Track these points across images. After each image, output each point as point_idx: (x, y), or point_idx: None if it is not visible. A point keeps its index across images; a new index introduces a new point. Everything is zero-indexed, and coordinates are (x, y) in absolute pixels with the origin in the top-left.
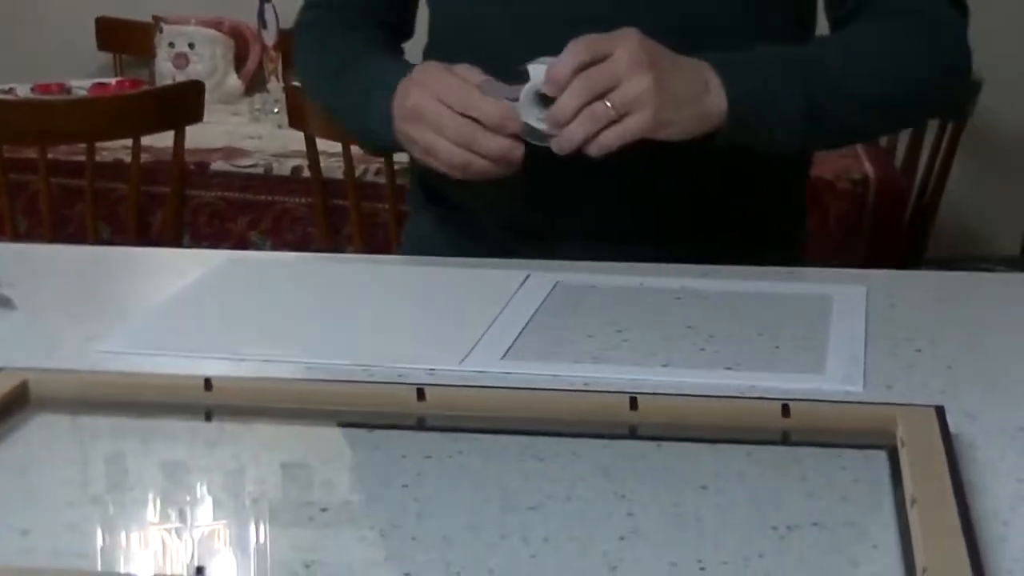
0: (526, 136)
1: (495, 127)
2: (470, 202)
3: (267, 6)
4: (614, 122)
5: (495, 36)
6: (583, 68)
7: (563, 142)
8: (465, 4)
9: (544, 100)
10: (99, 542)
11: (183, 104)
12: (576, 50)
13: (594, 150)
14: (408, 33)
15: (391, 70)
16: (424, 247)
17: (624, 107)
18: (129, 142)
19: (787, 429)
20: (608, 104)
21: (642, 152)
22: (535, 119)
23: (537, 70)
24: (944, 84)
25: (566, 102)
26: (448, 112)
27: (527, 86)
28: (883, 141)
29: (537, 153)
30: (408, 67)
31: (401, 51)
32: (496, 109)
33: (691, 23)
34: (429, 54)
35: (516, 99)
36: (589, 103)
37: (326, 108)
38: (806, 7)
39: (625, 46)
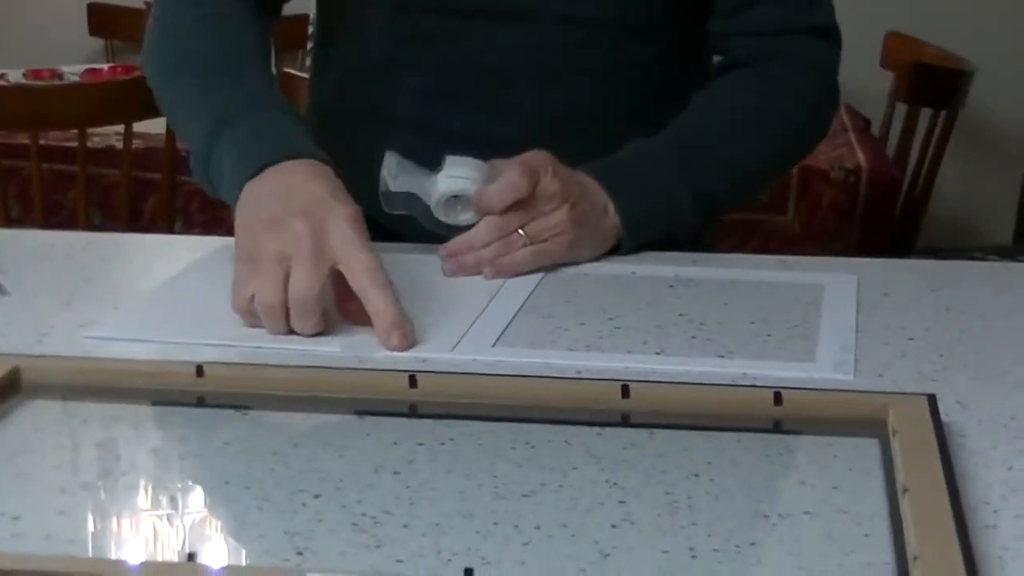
0: (430, 226)
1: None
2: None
3: None
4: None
5: (377, 48)
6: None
7: (468, 262)
8: (351, 9)
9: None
10: (90, 528)
11: None
12: (510, 190)
13: (490, 273)
14: (274, 13)
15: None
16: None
17: (538, 238)
18: (121, 128)
19: (779, 417)
20: (521, 233)
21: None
22: (443, 215)
23: (454, 170)
24: (816, 122)
25: (484, 234)
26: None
27: (441, 190)
28: (875, 130)
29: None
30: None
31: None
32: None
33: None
34: (314, 54)
35: (419, 187)
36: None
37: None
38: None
39: (544, 177)
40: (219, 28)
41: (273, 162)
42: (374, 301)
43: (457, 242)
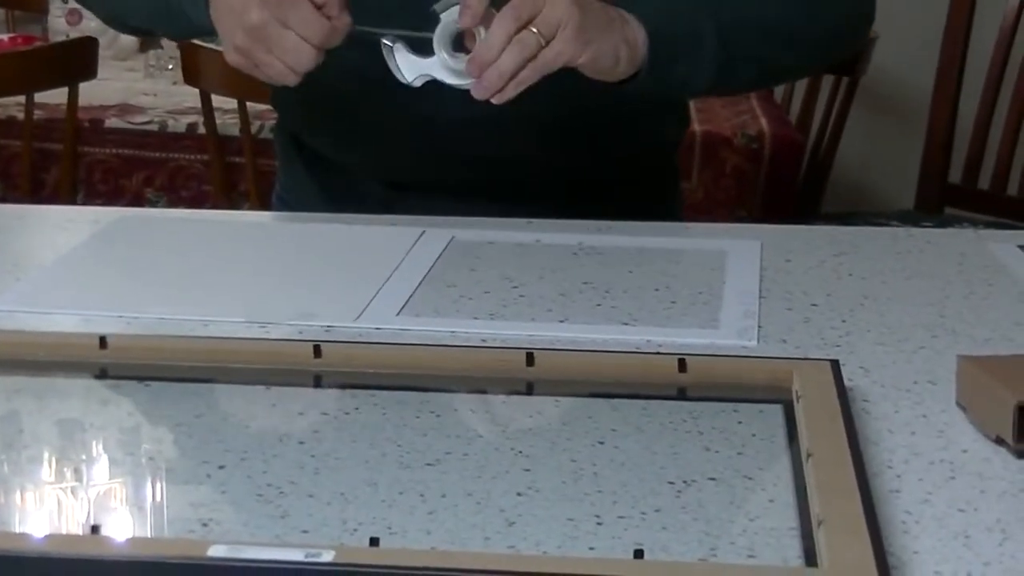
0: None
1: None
2: (347, 159)
3: None
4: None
5: None
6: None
7: (492, 77)
8: None
9: (456, 45)
10: None
11: (77, 60)
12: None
13: (512, 89)
14: None
15: None
16: (300, 203)
17: (549, 31)
18: (22, 99)
19: (683, 384)
20: (535, 30)
21: (524, 113)
22: (448, 66)
23: (449, 11)
24: (851, 19)
25: (497, 33)
26: (295, 40)
27: (439, 29)
28: (778, 96)
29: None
30: None
31: None
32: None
33: None
34: None
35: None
36: (517, 32)
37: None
38: None
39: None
40: None
41: None
42: None
43: (475, 60)
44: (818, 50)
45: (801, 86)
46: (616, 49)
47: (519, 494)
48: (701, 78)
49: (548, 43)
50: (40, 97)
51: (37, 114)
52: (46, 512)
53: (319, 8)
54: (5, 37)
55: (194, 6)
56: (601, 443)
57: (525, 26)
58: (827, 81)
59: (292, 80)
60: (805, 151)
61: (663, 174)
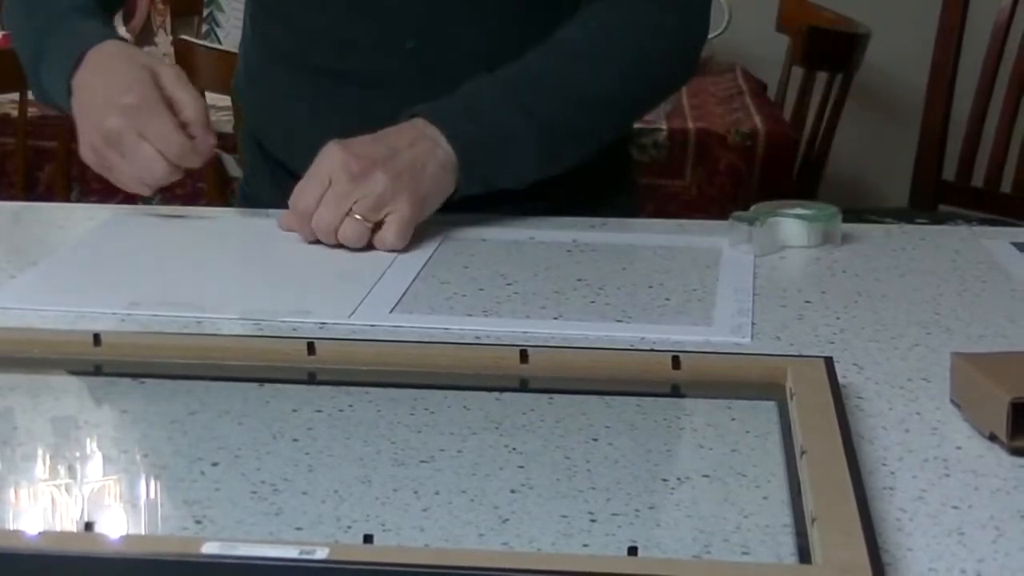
0: None
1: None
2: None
3: None
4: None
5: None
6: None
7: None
8: None
9: None
10: None
11: None
12: (291, 220)
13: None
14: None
15: (82, 32)
16: (260, 196)
17: (375, 212)
18: (16, 96)
19: (677, 381)
20: (359, 216)
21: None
22: None
23: None
24: (673, 48)
25: (324, 215)
26: (150, 153)
27: None
28: (772, 93)
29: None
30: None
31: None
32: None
33: None
34: (252, 21)
35: None
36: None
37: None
38: None
39: (332, 166)
40: None
41: (76, 64)
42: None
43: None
44: (643, 104)
45: (795, 83)
46: (443, 189)
47: (513, 491)
48: (524, 172)
49: (384, 217)
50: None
51: (31, 112)
52: (40, 509)
53: (183, 126)
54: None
55: (57, 91)
56: (595, 440)
57: (348, 212)
58: (821, 78)
59: (144, 191)
60: (799, 148)
61: (615, 161)
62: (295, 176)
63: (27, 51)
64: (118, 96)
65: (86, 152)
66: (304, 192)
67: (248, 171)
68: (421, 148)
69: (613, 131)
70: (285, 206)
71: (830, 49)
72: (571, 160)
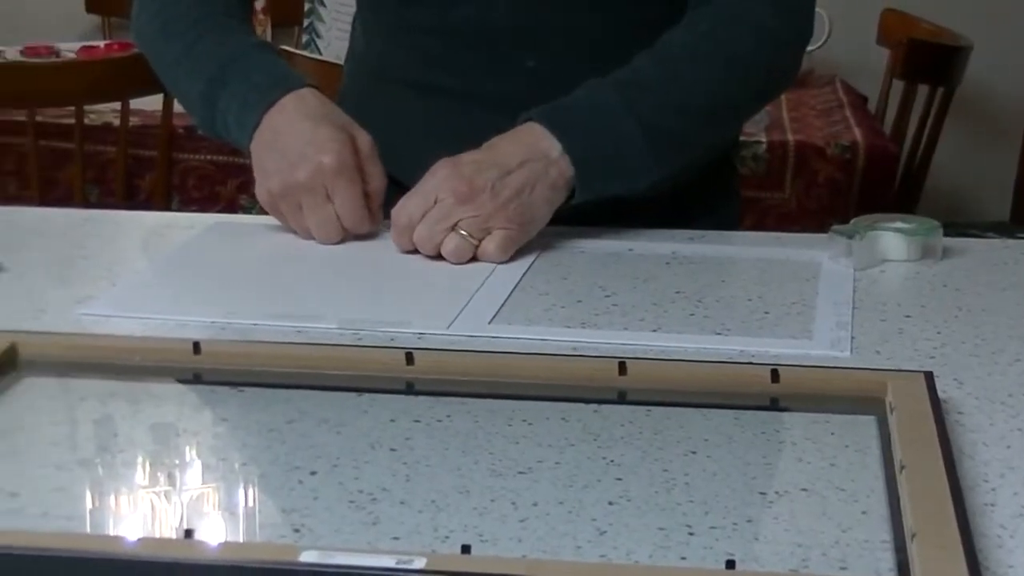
0: None
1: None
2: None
3: None
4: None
5: (389, 12)
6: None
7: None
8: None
9: None
10: (88, 505)
11: None
12: (401, 243)
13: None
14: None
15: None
16: None
17: (479, 232)
18: (118, 105)
19: (776, 394)
20: (464, 232)
21: None
22: None
23: None
24: (779, 52)
25: (423, 245)
26: (331, 215)
27: None
28: (871, 106)
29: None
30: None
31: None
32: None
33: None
34: (352, 23)
35: None
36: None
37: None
38: None
39: (440, 186)
40: None
41: (271, 103)
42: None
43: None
44: (751, 106)
45: (895, 96)
46: (552, 206)
47: (610, 503)
48: (638, 181)
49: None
50: (135, 104)
51: (132, 121)
52: (139, 515)
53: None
54: (101, 44)
55: (240, 127)
56: (693, 453)
57: (453, 226)
58: (922, 91)
59: (307, 238)
60: (899, 161)
61: (720, 171)
62: (401, 188)
63: (197, 73)
64: (314, 153)
65: (262, 194)
66: (408, 205)
67: None
68: (531, 169)
69: (724, 135)
70: (386, 217)
71: (931, 62)
72: (683, 166)
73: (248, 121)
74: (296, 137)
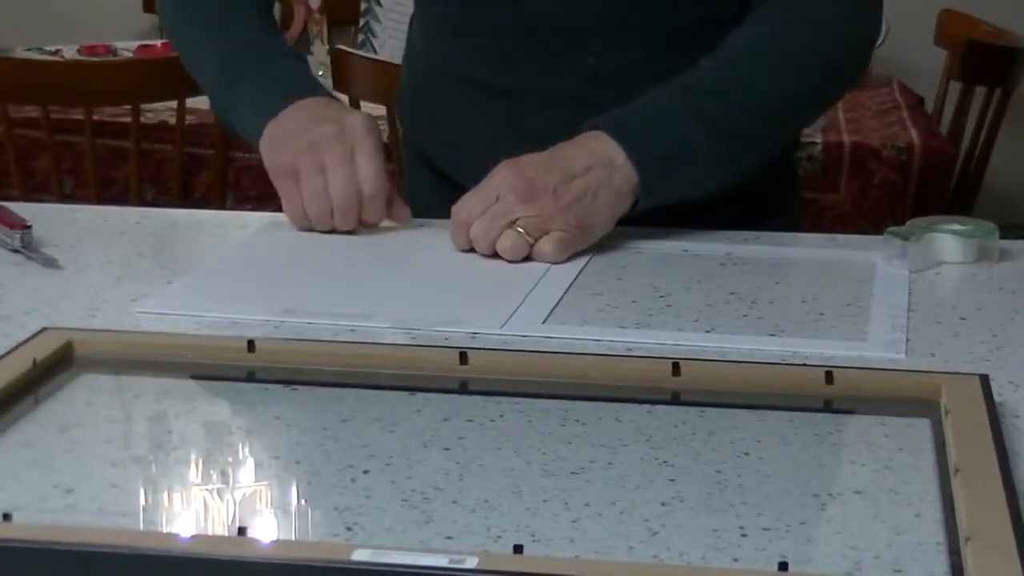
0: None
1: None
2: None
3: None
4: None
5: (450, 11)
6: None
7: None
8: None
9: None
10: (142, 501)
11: None
12: (458, 240)
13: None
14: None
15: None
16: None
17: (537, 231)
18: (174, 104)
19: (830, 396)
20: (521, 230)
21: None
22: None
23: None
24: (848, 48)
25: (479, 241)
26: (322, 197)
27: None
28: (928, 107)
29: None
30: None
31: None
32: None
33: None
34: (411, 22)
35: None
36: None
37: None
38: None
39: (503, 185)
40: None
41: (285, 106)
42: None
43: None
44: (817, 105)
45: (952, 97)
46: (615, 213)
47: (663, 504)
48: (703, 185)
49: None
50: (191, 103)
51: (188, 119)
52: (193, 513)
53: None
54: (158, 43)
55: (248, 123)
56: (746, 454)
57: (511, 224)
58: (979, 93)
59: (305, 223)
60: (956, 163)
61: (782, 173)
62: (460, 188)
63: (212, 67)
64: (339, 113)
65: (279, 155)
66: (468, 202)
67: (408, 181)
68: (596, 175)
69: (789, 135)
70: (444, 216)
71: (989, 63)
72: (749, 168)
73: (258, 123)
74: (318, 108)
